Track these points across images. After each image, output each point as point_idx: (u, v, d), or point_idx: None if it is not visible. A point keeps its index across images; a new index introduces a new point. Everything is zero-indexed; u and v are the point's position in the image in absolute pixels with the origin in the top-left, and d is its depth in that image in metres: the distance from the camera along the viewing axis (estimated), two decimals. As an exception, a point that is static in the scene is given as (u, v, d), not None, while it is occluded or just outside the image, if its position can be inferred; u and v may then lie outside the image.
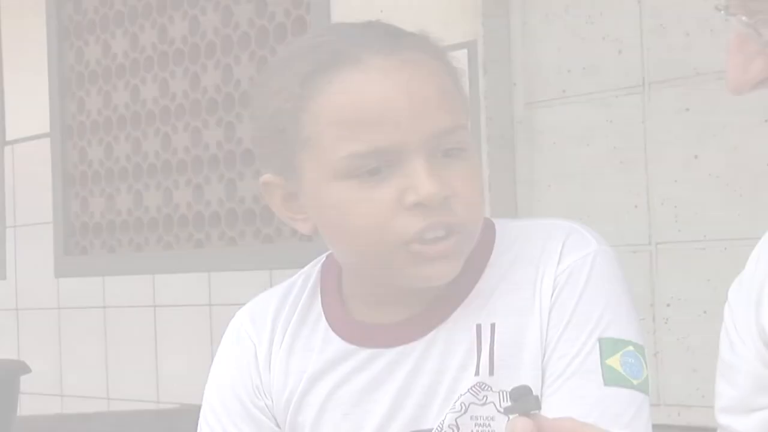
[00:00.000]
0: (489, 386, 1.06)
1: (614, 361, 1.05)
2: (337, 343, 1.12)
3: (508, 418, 0.82)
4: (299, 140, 1.06)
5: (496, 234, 1.12)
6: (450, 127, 1.05)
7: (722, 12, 0.92)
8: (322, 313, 1.14)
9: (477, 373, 1.07)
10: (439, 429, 1.07)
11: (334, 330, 1.13)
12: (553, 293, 1.07)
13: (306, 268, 1.20)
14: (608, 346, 1.05)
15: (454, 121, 1.05)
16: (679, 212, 2.96)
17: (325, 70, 1.04)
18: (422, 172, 1.02)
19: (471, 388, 1.07)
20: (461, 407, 1.07)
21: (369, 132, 1.02)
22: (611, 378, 1.05)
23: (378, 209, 1.03)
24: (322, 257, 1.19)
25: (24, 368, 3.58)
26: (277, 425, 1.15)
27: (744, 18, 0.91)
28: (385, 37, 1.06)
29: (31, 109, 4.81)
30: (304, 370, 1.13)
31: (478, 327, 1.08)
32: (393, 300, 1.10)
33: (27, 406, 4.64)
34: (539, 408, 0.83)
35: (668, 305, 2.98)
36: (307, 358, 1.13)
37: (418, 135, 1.03)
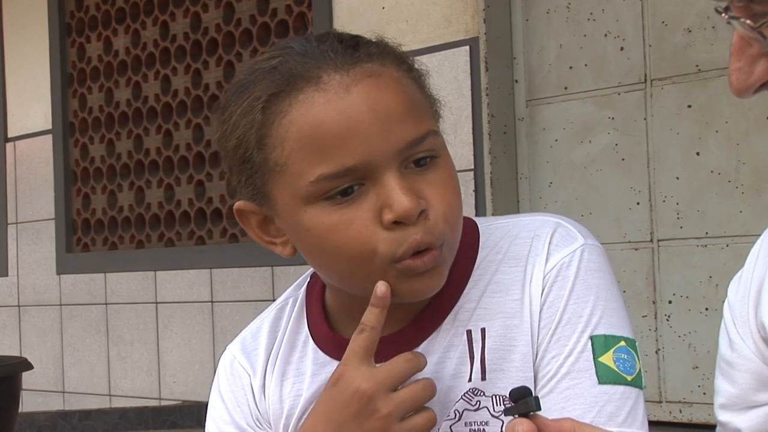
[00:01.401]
0: (482, 391, 1.05)
1: (607, 359, 1.04)
2: (330, 364, 1.10)
3: (503, 421, 0.81)
4: (267, 167, 1.03)
5: (480, 235, 1.11)
6: (419, 136, 1.02)
7: (725, 16, 0.91)
8: (309, 335, 1.13)
9: (470, 379, 1.06)
10: None
11: (324, 351, 1.12)
12: (542, 293, 1.06)
13: (290, 290, 1.18)
14: (600, 344, 1.05)
15: (423, 128, 1.02)
16: (681, 209, 2.96)
17: (284, 93, 1.01)
18: (396, 187, 1.00)
19: (464, 395, 1.06)
20: (455, 414, 1.06)
21: (336, 152, 0.99)
22: (605, 376, 1.04)
23: (357, 231, 1.01)
24: (306, 277, 1.18)
25: (26, 365, 3.58)
26: None
27: (748, 21, 0.90)
28: (341, 51, 1.03)
29: (33, 106, 4.81)
30: (298, 394, 1.11)
31: (469, 333, 1.06)
32: None
33: (29, 402, 4.64)
34: (539, 409, 0.82)
35: (670, 302, 2.98)
36: (300, 382, 1.12)
37: (387, 149, 1.00)
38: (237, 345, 1.18)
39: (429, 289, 1.04)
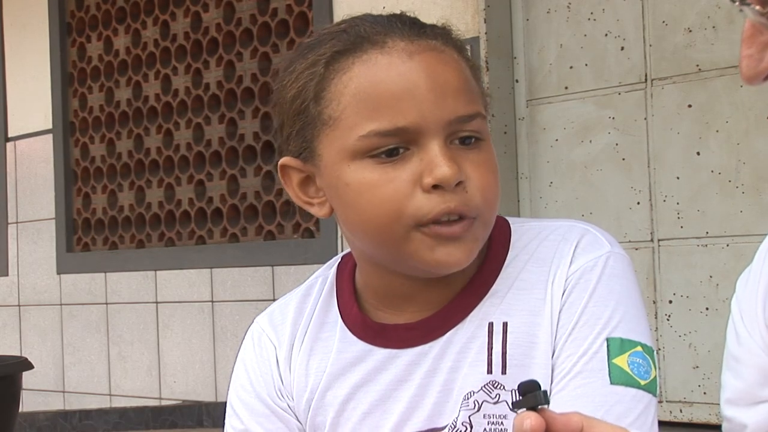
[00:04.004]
0: (502, 385, 1.07)
1: (621, 361, 1.05)
2: (356, 344, 1.13)
3: (516, 413, 0.81)
4: (320, 120, 1.07)
5: (512, 234, 1.13)
6: (469, 114, 1.05)
7: (736, 3, 0.92)
8: (339, 314, 1.15)
9: (490, 371, 1.07)
10: (452, 426, 1.08)
11: (352, 331, 1.13)
12: (563, 294, 1.08)
13: (321, 269, 1.20)
14: (616, 346, 1.05)
15: (473, 108, 1.06)
16: (681, 209, 2.96)
17: (349, 51, 1.06)
18: (439, 154, 1.03)
19: (484, 387, 1.07)
20: (474, 405, 1.07)
21: (390, 111, 1.03)
22: (618, 377, 1.04)
23: (395, 190, 1.03)
24: (338, 258, 1.20)
25: (26, 364, 3.58)
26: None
27: (758, 8, 0.90)
28: (409, 25, 1.08)
29: (34, 106, 4.82)
30: (323, 369, 1.14)
31: (490, 325, 1.08)
32: (410, 298, 1.11)
33: (29, 402, 4.65)
34: (548, 403, 0.82)
35: (670, 302, 2.98)
36: (326, 359, 1.14)
37: (438, 118, 1.04)
38: (265, 318, 1.20)
39: (453, 260, 1.05)
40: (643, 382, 1.05)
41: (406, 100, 1.03)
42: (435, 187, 1.03)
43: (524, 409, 0.82)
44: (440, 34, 1.08)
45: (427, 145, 1.03)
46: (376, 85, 1.04)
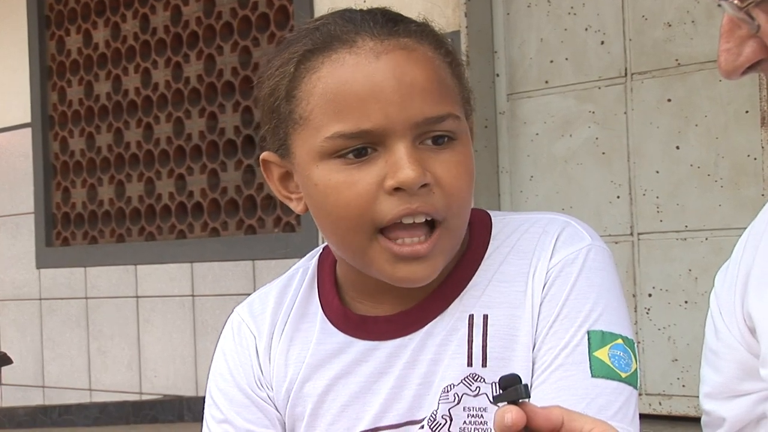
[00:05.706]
0: (482, 378, 1.07)
1: (602, 354, 1.05)
2: (336, 335, 1.12)
3: (498, 406, 0.81)
4: (291, 119, 1.07)
5: (493, 227, 1.13)
6: (438, 115, 1.04)
7: None
8: (320, 306, 1.15)
9: (470, 364, 1.07)
10: (432, 419, 1.08)
11: (332, 323, 1.13)
12: (544, 287, 1.08)
13: (302, 261, 1.20)
14: (597, 339, 1.06)
15: (444, 109, 1.04)
16: (661, 203, 2.97)
17: (319, 50, 1.06)
18: (403, 157, 1.02)
19: (464, 380, 1.07)
20: (454, 398, 1.07)
21: (354, 113, 1.03)
22: (599, 370, 1.05)
23: (358, 193, 1.03)
24: (319, 249, 1.19)
25: (5, 359, 3.56)
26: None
27: (736, 2, 0.91)
28: (382, 22, 1.06)
29: (12, 99, 4.79)
30: (302, 360, 1.13)
31: (471, 317, 1.08)
32: (389, 291, 1.10)
33: (8, 397, 4.63)
34: (528, 396, 0.83)
35: (650, 295, 2.99)
36: (306, 349, 1.14)
37: (404, 120, 1.03)
38: (245, 308, 1.19)
39: (416, 278, 1.05)
40: (624, 375, 1.05)
41: (370, 102, 1.02)
42: (397, 189, 1.02)
43: (505, 402, 0.82)
44: (415, 31, 1.07)
45: (392, 146, 1.03)
46: (342, 86, 1.03)
